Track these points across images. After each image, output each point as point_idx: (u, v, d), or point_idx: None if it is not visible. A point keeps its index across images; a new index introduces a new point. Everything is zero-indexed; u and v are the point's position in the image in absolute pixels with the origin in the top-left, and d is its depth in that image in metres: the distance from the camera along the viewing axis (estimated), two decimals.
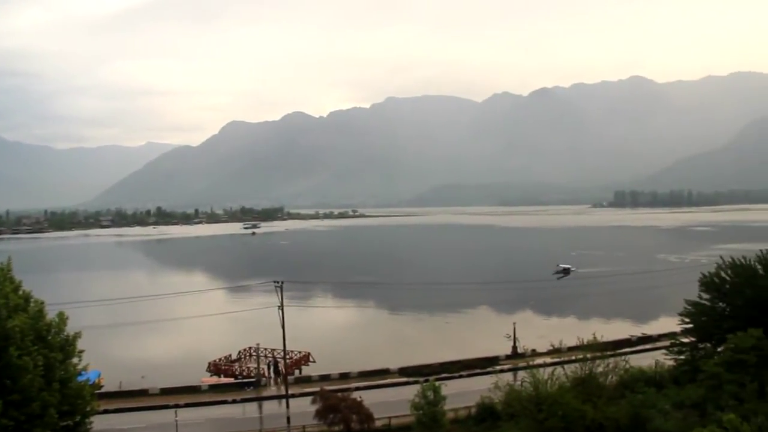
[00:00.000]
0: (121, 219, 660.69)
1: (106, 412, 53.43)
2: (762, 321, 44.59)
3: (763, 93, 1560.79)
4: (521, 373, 57.83)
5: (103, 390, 62.95)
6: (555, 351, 73.76)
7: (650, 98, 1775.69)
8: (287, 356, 76.07)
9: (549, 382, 44.26)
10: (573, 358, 52.99)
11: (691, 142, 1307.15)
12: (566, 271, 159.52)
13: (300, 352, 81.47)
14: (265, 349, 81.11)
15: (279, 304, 69.96)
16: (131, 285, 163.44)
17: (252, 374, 75.95)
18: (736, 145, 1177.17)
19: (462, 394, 58.71)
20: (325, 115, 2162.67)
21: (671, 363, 53.11)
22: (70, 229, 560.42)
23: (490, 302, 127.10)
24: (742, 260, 51.20)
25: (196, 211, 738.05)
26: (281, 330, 70.09)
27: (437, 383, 49.36)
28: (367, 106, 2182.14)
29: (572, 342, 63.81)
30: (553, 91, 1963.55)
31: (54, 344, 34.01)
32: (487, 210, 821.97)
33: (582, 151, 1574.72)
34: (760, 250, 52.38)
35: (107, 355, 79.97)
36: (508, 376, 71.09)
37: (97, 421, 38.54)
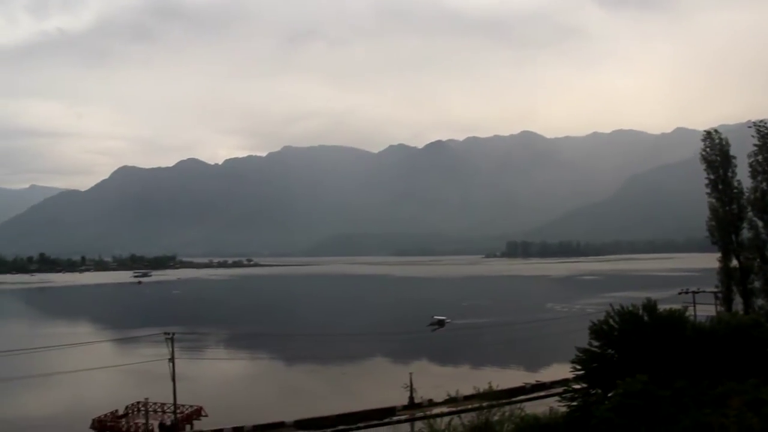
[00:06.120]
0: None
1: None
2: (648, 367, 46.02)
3: (639, 149, 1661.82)
4: (418, 424, 57.39)
5: None
6: (451, 400, 73.86)
7: (540, 152, 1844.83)
8: (178, 411, 73.14)
9: (446, 431, 44.06)
10: (469, 406, 53.14)
11: (578, 195, 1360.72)
12: (441, 323, 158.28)
13: (192, 406, 77.61)
14: (155, 403, 77.56)
15: (170, 356, 67.44)
16: (5, 337, 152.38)
17: (140, 430, 72.23)
18: (619, 198, 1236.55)
19: None
20: (220, 163, 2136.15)
21: (564, 409, 53.90)
22: None
23: (386, 352, 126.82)
24: (630, 308, 52.89)
25: (83, 258, 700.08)
26: (172, 383, 67.35)
27: None
28: (264, 154, 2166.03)
29: (468, 391, 64.05)
30: (447, 144, 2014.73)
31: None
32: (382, 260, 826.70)
33: (475, 202, 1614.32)
34: (646, 298, 54.35)
35: None
36: (405, 427, 70.42)
37: None
